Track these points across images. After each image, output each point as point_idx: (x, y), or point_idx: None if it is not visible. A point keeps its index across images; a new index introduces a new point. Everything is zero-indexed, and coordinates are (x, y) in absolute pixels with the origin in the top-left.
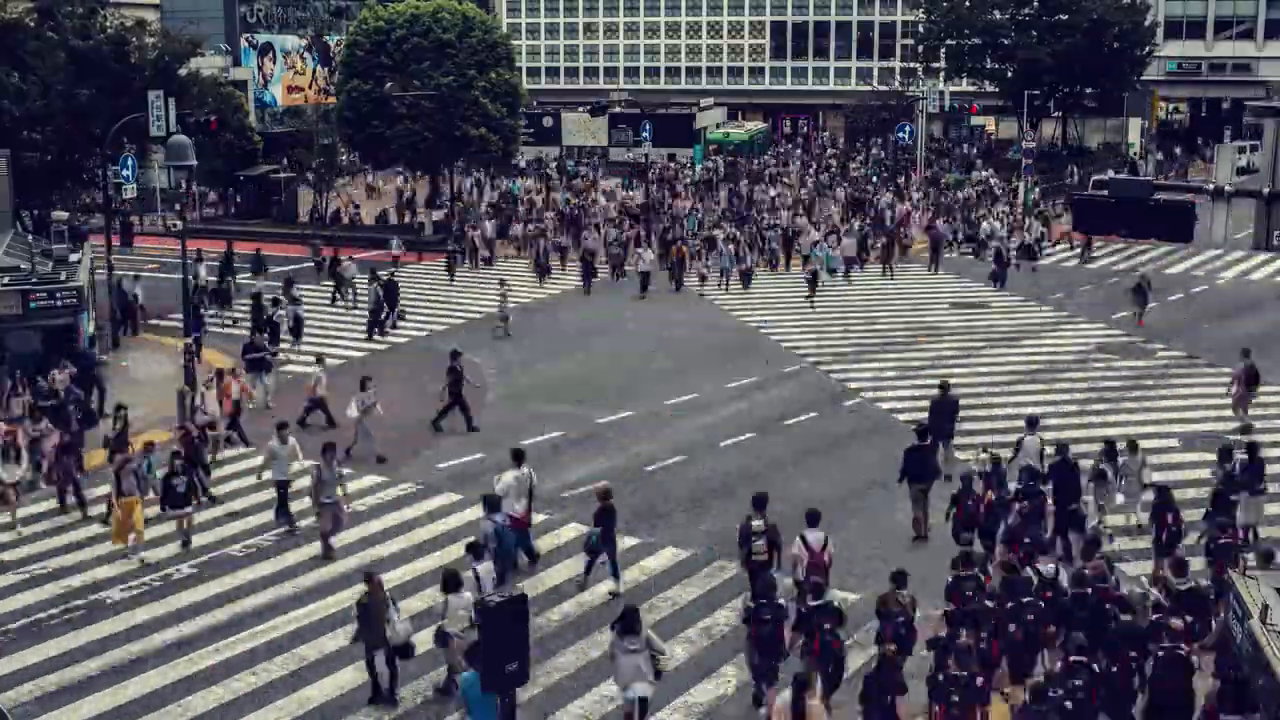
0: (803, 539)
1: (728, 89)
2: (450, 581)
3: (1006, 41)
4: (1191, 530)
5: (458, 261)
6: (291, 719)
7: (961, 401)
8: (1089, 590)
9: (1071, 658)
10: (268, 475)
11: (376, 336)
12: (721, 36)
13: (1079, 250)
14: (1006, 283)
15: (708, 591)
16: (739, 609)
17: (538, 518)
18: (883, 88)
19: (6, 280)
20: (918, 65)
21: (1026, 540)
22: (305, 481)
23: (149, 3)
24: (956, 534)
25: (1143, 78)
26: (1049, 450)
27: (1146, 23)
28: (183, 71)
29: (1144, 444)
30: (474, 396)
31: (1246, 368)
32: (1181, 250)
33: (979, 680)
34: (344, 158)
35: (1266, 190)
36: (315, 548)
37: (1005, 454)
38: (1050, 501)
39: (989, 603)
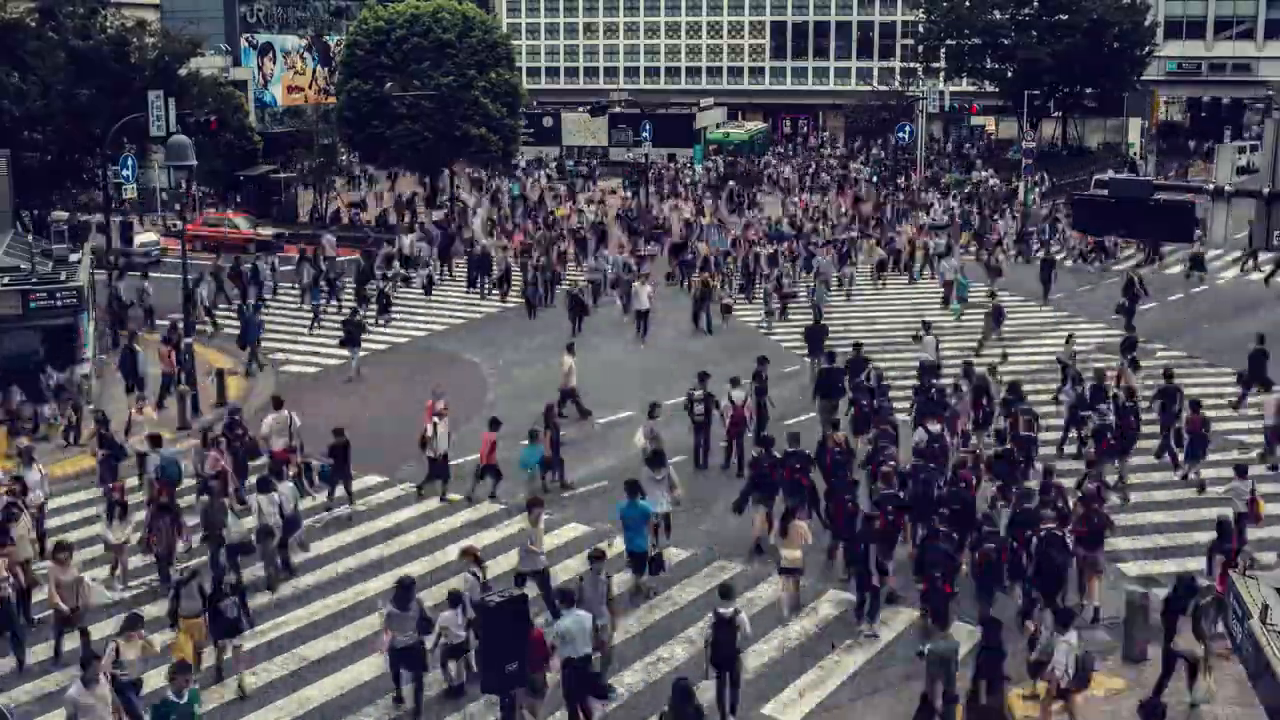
0: (729, 397)
1: (728, 89)
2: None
3: (1006, 41)
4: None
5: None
6: (291, 719)
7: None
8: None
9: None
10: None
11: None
12: (721, 36)
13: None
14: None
15: (707, 591)
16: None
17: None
18: (883, 88)
19: (6, 280)
20: (918, 65)
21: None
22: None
23: (149, 3)
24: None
25: (1143, 78)
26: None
27: (1146, 23)
28: (183, 71)
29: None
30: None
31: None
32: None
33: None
34: (344, 158)
35: (1266, 190)
36: (315, 548)
37: None
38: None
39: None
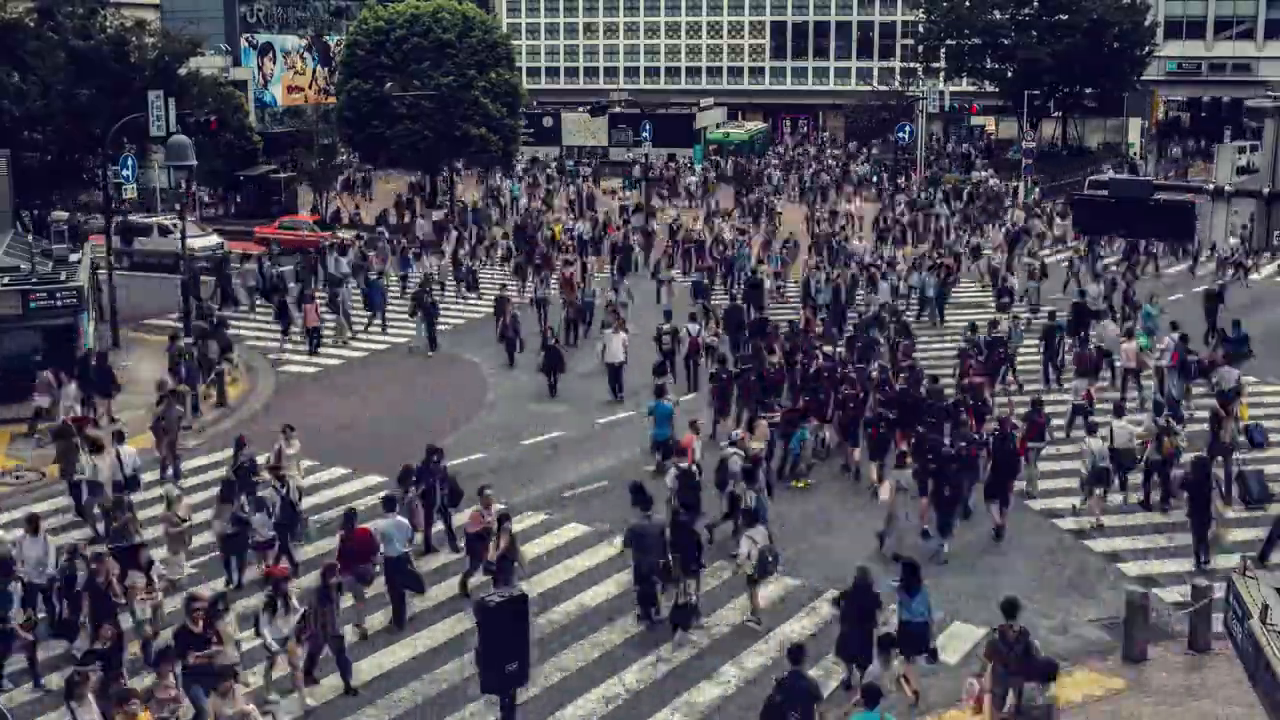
0: (687, 330)
1: (728, 89)
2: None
3: (1006, 41)
4: None
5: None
6: (293, 719)
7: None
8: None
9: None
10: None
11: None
12: (721, 36)
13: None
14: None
15: (707, 591)
16: None
17: (538, 517)
18: (883, 88)
19: (6, 280)
20: (918, 65)
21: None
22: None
23: (149, 2)
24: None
25: (1143, 78)
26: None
27: (1146, 23)
28: (183, 71)
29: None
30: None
31: None
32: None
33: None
34: (343, 157)
35: (1266, 190)
36: (314, 548)
37: None
38: None
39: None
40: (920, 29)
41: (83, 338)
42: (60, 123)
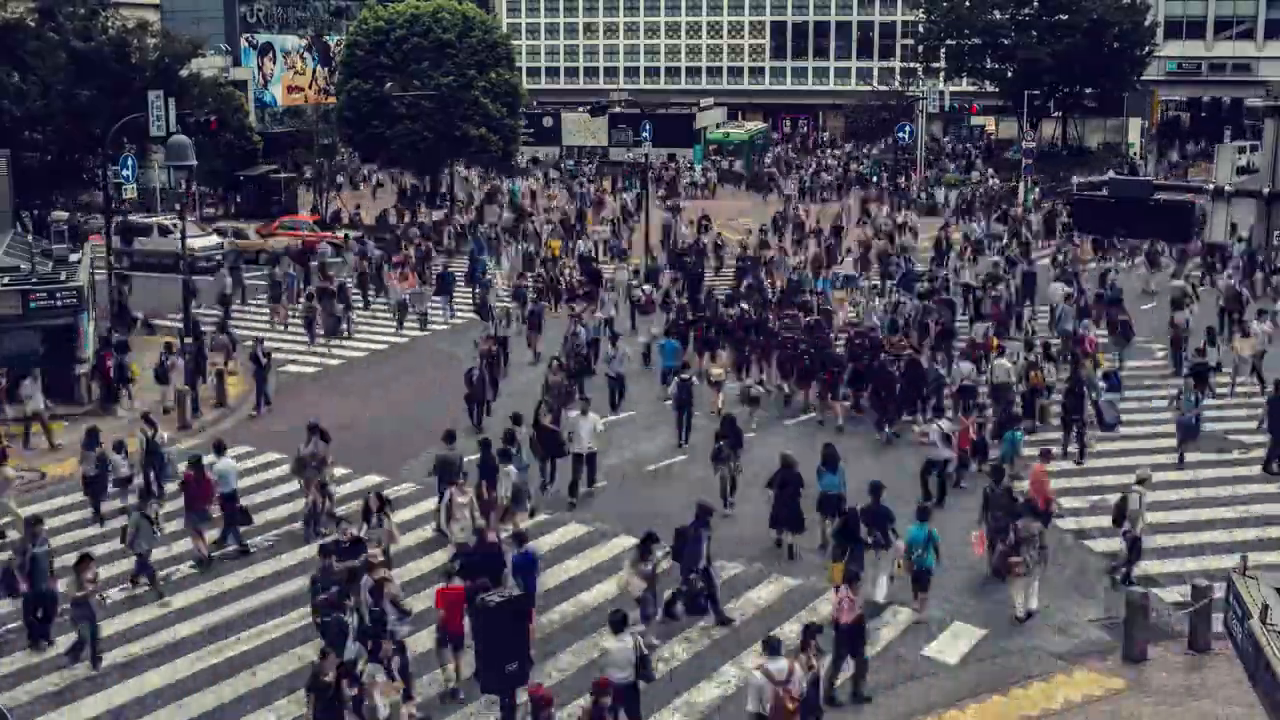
0: (642, 290)
1: (728, 89)
2: None
3: (1006, 41)
4: None
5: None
6: (291, 719)
7: None
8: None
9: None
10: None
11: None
12: (721, 36)
13: None
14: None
15: None
16: None
17: (540, 517)
18: (883, 88)
19: (6, 280)
20: (918, 65)
21: None
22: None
23: (149, 3)
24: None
25: (1143, 78)
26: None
27: (1146, 23)
28: (183, 72)
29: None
30: None
31: None
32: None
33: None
34: (343, 157)
35: (1266, 190)
36: (314, 548)
37: None
38: None
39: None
40: (920, 29)
41: (83, 338)
42: (60, 123)
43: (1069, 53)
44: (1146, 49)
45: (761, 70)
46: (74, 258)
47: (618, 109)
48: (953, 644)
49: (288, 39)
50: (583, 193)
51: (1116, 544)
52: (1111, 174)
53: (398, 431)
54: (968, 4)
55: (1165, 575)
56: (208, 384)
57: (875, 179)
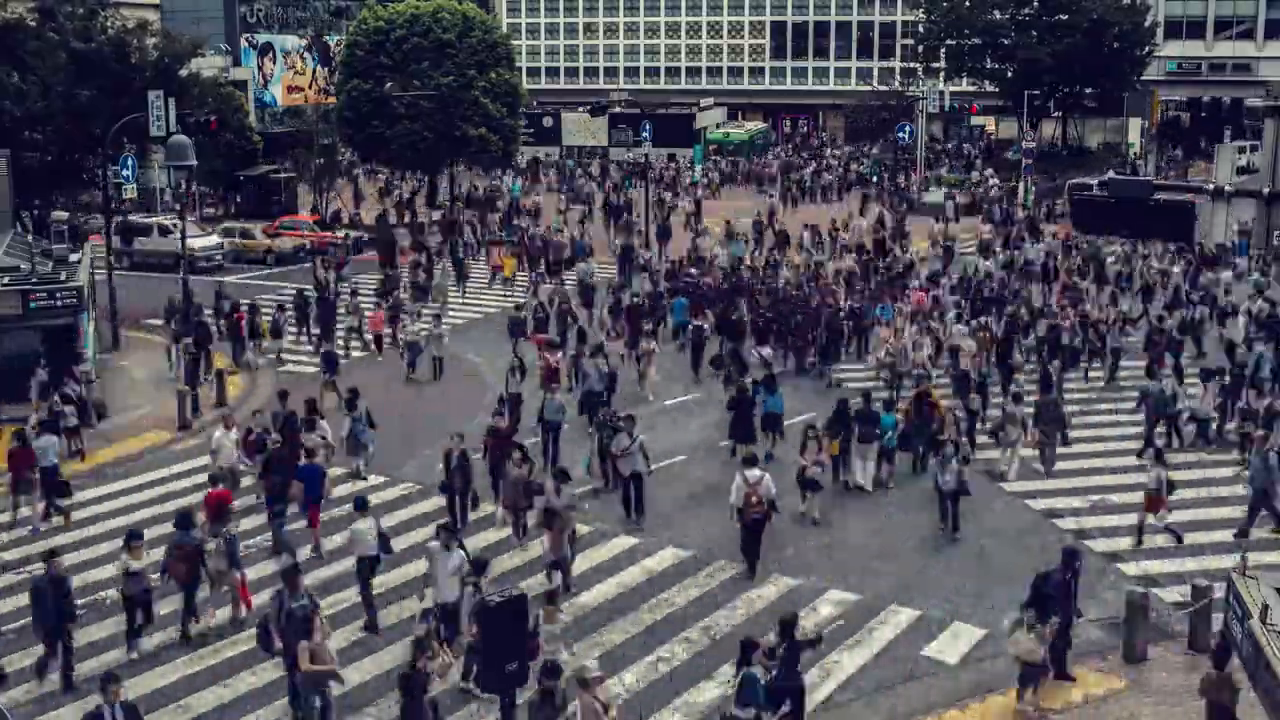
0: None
1: (728, 89)
2: None
3: (1006, 41)
4: None
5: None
6: (291, 719)
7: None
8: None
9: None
10: None
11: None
12: (721, 36)
13: None
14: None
15: (707, 591)
16: None
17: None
18: (883, 88)
19: (6, 280)
20: (918, 65)
21: None
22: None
23: (149, 3)
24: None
25: (1143, 78)
26: None
27: (1146, 23)
28: (183, 72)
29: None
30: None
31: None
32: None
33: None
34: (343, 157)
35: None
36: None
37: None
38: None
39: None
40: (920, 29)
41: (82, 338)
42: (60, 123)
43: (1069, 53)
44: (1146, 49)
45: (761, 70)
46: (74, 258)
47: (618, 109)
48: (953, 644)
49: (288, 39)
50: (587, 193)
51: (1117, 544)
52: (1112, 174)
53: (398, 431)
54: (968, 4)
55: (1165, 575)
56: (208, 384)
57: (875, 179)
